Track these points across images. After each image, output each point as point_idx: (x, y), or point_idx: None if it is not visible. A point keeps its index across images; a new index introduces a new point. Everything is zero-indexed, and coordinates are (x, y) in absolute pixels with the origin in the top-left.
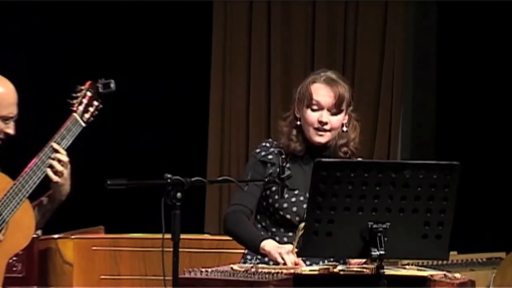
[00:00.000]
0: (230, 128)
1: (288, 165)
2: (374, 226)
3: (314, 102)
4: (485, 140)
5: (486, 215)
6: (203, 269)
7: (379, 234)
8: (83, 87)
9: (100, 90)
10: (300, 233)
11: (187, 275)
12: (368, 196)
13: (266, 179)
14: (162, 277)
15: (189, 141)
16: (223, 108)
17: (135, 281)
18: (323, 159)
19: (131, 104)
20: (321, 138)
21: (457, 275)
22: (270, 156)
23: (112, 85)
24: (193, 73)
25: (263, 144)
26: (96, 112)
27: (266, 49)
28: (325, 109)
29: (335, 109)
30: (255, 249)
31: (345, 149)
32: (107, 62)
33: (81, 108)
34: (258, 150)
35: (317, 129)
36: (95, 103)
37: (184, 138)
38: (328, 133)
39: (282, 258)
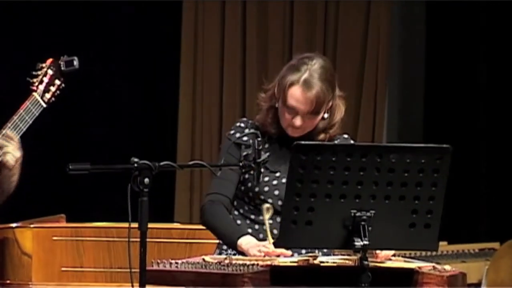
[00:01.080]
0: (201, 108)
1: (266, 145)
2: (358, 214)
3: (289, 105)
4: (479, 123)
5: (479, 202)
6: (173, 261)
7: (362, 223)
8: (44, 65)
9: (63, 68)
10: (268, 215)
11: (155, 267)
12: (351, 182)
13: (241, 164)
14: (128, 270)
15: (157, 123)
16: (194, 85)
17: (99, 274)
18: (302, 142)
19: (95, 84)
20: (296, 134)
21: (447, 267)
22: (245, 138)
23: (75, 63)
24: (162, 52)
25: (237, 124)
26: (58, 92)
27: (241, 32)
28: (299, 115)
29: (311, 114)
30: (232, 246)
31: (322, 136)
32: (74, 45)
33: (41, 87)
34: (232, 132)
35: (292, 126)
36: (57, 82)
37: (152, 119)
38: (302, 131)
39: (262, 251)
